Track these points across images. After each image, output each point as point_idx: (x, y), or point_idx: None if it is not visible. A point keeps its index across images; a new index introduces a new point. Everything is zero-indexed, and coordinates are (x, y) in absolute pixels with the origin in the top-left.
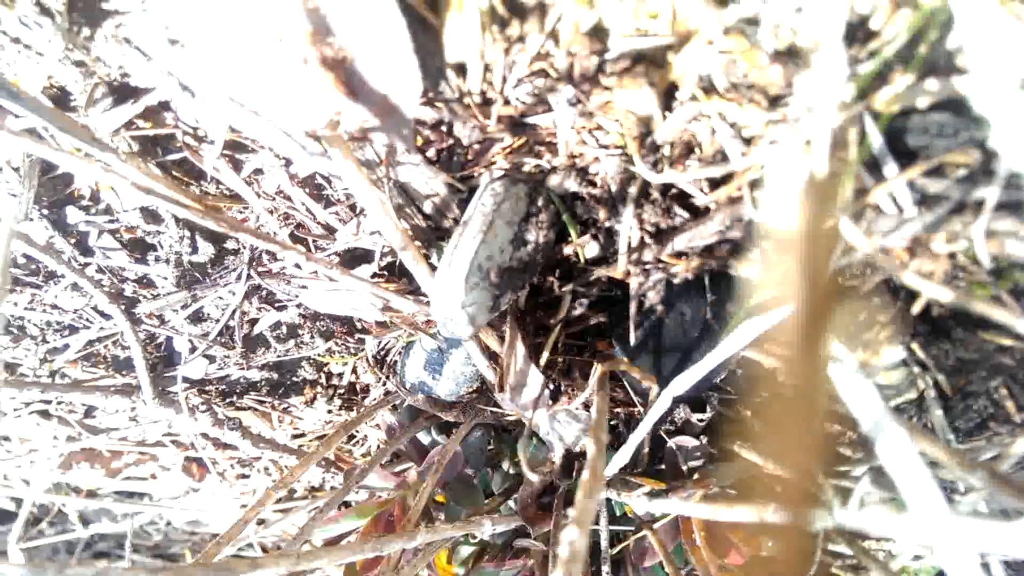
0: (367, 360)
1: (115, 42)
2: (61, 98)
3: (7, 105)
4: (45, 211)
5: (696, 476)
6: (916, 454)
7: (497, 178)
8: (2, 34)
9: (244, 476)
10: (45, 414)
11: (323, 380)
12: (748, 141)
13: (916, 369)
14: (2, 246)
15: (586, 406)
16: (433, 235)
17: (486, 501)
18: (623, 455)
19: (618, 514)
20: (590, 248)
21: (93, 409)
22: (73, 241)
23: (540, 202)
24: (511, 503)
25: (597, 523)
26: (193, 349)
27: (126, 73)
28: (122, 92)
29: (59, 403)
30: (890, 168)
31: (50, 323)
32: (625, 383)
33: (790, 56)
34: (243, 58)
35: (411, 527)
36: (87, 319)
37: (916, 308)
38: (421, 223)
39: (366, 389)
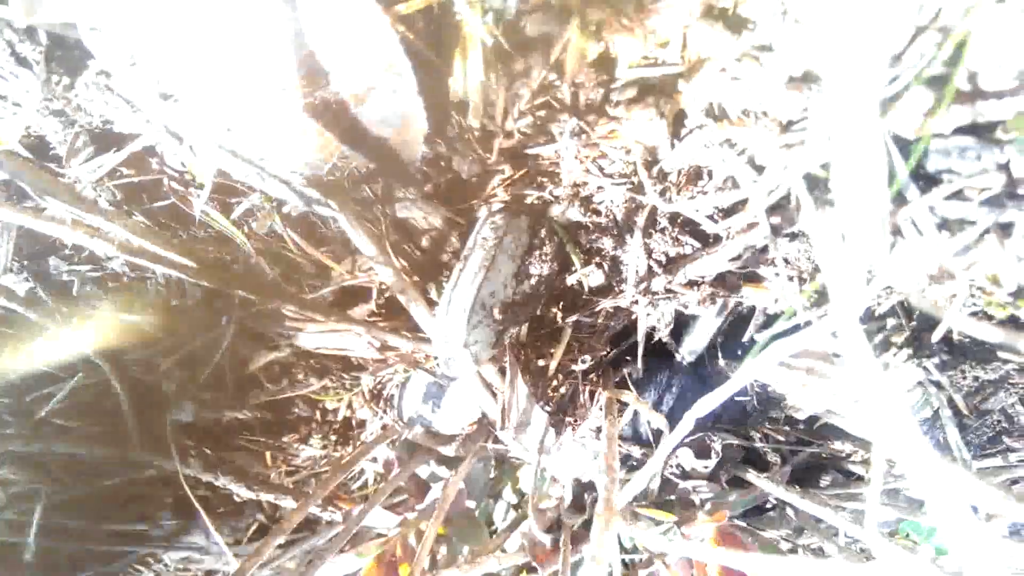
0: (363, 395)
1: (96, 90)
2: (40, 147)
3: None
4: (26, 262)
5: (708, 507)
6: (949, 482)
7: (497, 210)
8: None
9: (237, 513)
10: (27, 459)
11: (318, 417)
12: (760, 168)
13: (931, 388)
14: None
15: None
16: (431, 269)
17: (490, 535)
18: (637, 484)
19: (627, 546)
20: (594, 278)
21: (79, 455)
22: (56, 292)
23: (543, 233)
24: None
25: None
26: (182, 393)
27: (108, 121)
28: (104, 140)
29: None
30: (911, 192)
31: (33, 373)
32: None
33: (805, 81)
34: (239, 108)
35: (419, 570)
36: (71, 368)
37: (936, 335)
38: (419, 258)
39: (362, 424)
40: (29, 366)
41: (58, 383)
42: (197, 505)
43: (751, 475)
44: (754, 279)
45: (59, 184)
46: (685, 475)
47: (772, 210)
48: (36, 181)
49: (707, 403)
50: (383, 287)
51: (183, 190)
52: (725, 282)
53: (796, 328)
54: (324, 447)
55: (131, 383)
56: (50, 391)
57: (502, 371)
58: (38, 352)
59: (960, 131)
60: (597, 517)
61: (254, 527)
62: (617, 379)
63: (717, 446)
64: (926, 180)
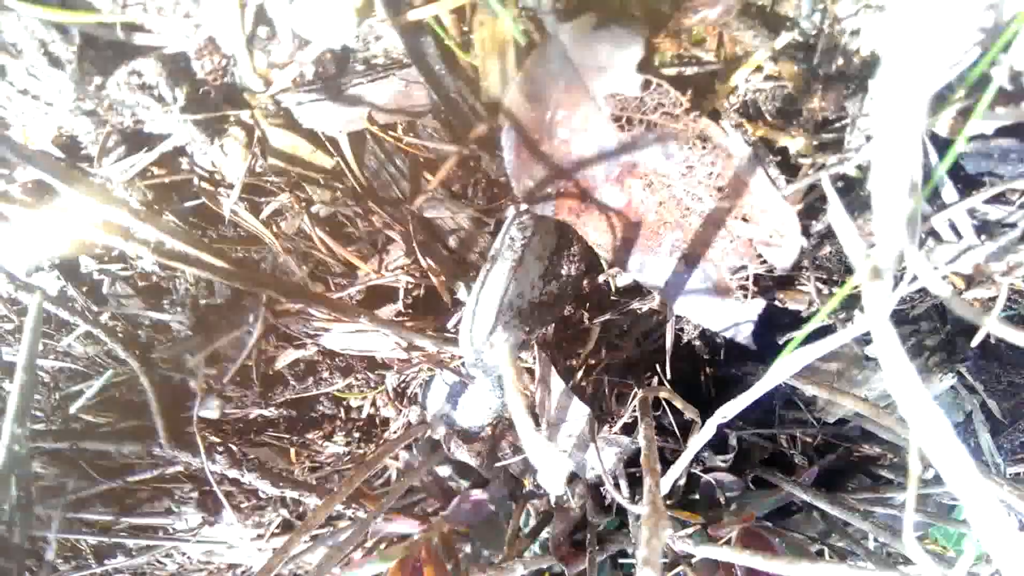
0: (387, 393)
1: (128, 90)
2: (71, 147)
3: (17, 161)
4: (57, 260)
5: (733, 507)
6: (986, 487)
7: (525, 211)
8: (9, 85)
9: (260, 508)
10: (58, 455)
11: (342, 414)
12: (795, 169)
13: (964, 392)
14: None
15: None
16: (458, 268)
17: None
18: (664, 483)
19: None
20: (623, 277)
21: (107, 451)
22: (86, 290)
23: (571, 234)
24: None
25: (627, 555)
26: (209, 390)
27: (139, 120)
28: (135, 140)
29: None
30: (949, 194)
31: (63, 370)
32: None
33: (842, 79)
34: None
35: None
36: (101, 365)
37: (975, 342)
38: (446, 258)
39: (386, 422)
40: (60, 364)
41: (88, 380)
42: (224, 501)
43: (777, 477)
44: (787, 282)
45: (92, 184)
46: (707, 469)
47: (804, 212)
48: (69, 181)
49: (733, 407)
50: (410, 286)
51: (213, 190)
52: (759, 283)
53: (826, 330)
54: (348, 444)
55: (159, 380)
56: (80, 388)
57: (530, 371)
58: (69, 350)
59: (1002, 133)
60: (645, 521)
61: (278, 522)
62: (647, 377)
63: (732, 440)
64: (966, 182)
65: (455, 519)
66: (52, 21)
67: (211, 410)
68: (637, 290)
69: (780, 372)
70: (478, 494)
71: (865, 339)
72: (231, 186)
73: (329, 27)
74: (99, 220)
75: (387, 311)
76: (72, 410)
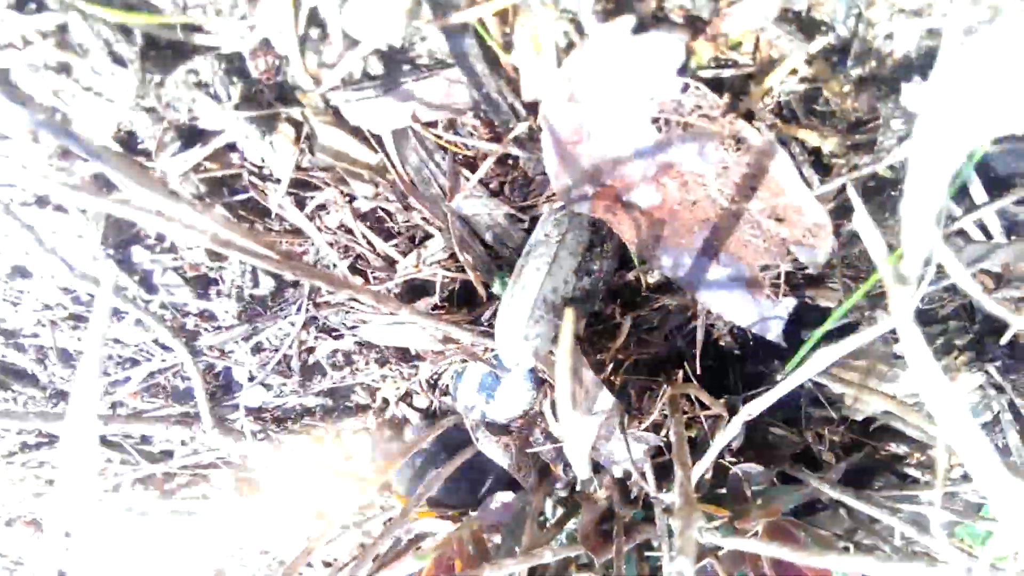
0: (420, 385)
1: (185, 88)
2: (128, 142)
3: (80, 155)
4: (111, 251)
5: (760, 501)
6: (1012, 486)
7: (559, 207)
8: (74, 83)
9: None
10: (102, 440)
11: (376, 405)
12: (828, 169)
13: (992, 392)
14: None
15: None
16: (494, 264)
17: (541, 527)
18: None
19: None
20: (654, 274)
21: (150, 436)
22: (137, 279)
23: (604, 230)
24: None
25: (651, 548)
26: (252, 378)
27: (195, 117)
28: (190, 135)
29: (118, 434)
30: (979, 194)
31: (112, 356)
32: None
33: (875, 82)
34: None
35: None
36: (148, 352)
37: (1004, 340)
38: (482, 253)
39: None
40: (108, 350)
41: (136, 366)
42: (263, 487)
43: (804, 473)
44: (818, 280)
45: (155, 179)
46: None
47: (836, 211)
48: (134, 175)
49: (759, 404)
50: (445, 281)
51: (261, 184)
52: (788, 281)
53: (855, 327)
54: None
55: (204, 368)
56: (128, 374)
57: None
58: (119, 336)
59: None
60: (678, 513)
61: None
62: (676, 373)
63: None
64: (996, 183)
65: (485, 519)
66: (117, 22)
67: (253, 398)
68: (668, 286)
69: (805, 369)
70: (507, 497)
71: (893, 336)
72: (279, 181)
73: (379, 28)
74: (154, 212)
75: (423, 304)
76: (119, 395)
